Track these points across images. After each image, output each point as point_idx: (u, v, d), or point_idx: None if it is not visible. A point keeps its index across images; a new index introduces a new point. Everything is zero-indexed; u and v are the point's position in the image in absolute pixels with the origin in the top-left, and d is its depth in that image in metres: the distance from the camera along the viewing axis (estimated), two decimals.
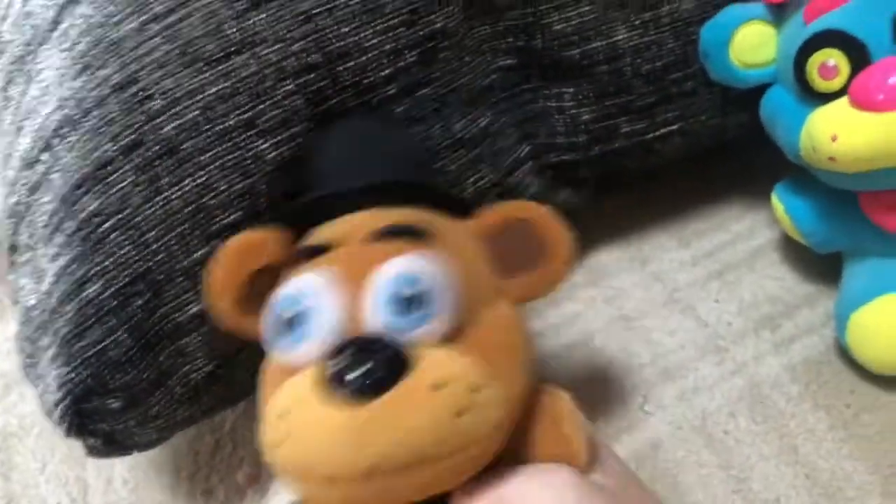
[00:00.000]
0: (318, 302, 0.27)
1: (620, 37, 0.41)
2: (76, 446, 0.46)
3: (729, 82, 0.43)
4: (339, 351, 0.26)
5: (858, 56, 0.37)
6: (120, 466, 0.46)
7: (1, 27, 0.43)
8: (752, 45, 0.42)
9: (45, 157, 0.36)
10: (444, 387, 0.26)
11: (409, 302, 0.27)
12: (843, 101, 0.37)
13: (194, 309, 0.35)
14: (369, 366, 0.26)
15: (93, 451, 0.37)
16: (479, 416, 0.27)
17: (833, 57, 0.37)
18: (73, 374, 0.34)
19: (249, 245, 0.31)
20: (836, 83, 0.37)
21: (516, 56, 0.42)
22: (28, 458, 0.47)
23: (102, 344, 0.34)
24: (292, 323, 0.27)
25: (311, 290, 0.27)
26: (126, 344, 0.34)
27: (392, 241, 0.29)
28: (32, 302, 0.36)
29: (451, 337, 0.28)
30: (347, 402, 0.25)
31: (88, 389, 0.34)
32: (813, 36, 0.38)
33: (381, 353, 0.26)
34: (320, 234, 0.31)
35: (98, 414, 0.35)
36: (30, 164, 0.37)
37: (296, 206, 0.36)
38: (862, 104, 0.36)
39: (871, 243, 0.42)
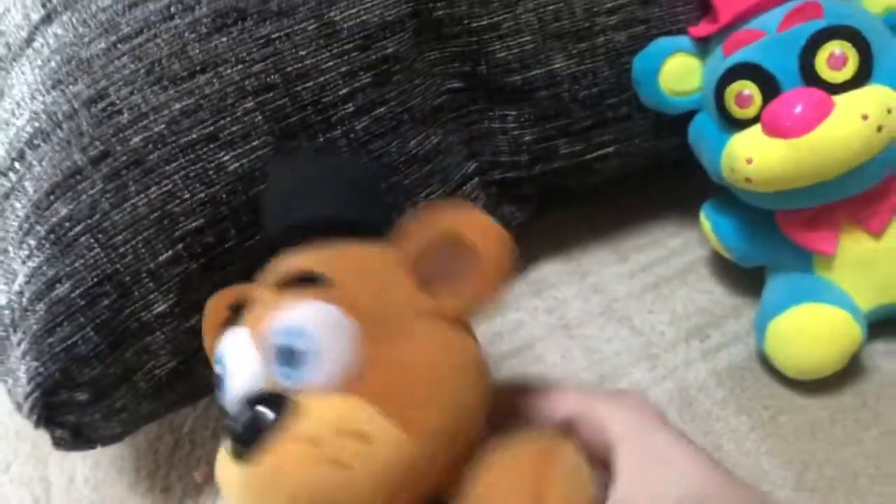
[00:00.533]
0: (229, 364, 0.28)
1: (558, 65, 0.44)
2: (39, 447, 0.48)
3: (659, 108, 0.46)
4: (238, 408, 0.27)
5: (769, 87, 0.40)
6: (82, 465, 0.47)
7: None
8: (678, 74, 0.45)
9: (17, 165, 0.38)
10: (321, 439, 0.26)
11: (296, 354, 0.26)
12: (757, 128, 0.40)
13: (159, 308, 0.37)
14: (248, 417, 0.26)
15: (60, 444, 0.39)
16: (366, 466, 0.26)
17: (748, 87, 0.40)
18: (42, 369, 0.36)
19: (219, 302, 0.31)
20: (750, 111, 0.40)
21: (463, 80, 0.45)
22: None
23: (71, 340, 0.36)
24: (221, 382, 0.28)
25: (224, 351, 0.29)
26: (94, 341, 0.36)
27: (293, 289, 0.28)
28: (3, 301, 0.38)
29: (350, 383, 0.27)
30: (239, 458, 0.26)
31: (57, 383, 0.36)
32: (730, 68, 0.41)
33: (263, 404, 0.26)
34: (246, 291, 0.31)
35: (66, 406, 0.37)
36: (3, 172, 0.39)
37: (248, 250, 0.38)
38: (773, 131, 0.39)
39: (787, 258, 0.45)
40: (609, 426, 0.31)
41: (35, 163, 0.38)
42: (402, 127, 0.42)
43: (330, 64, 0.40)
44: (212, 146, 0.38)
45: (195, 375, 0.40)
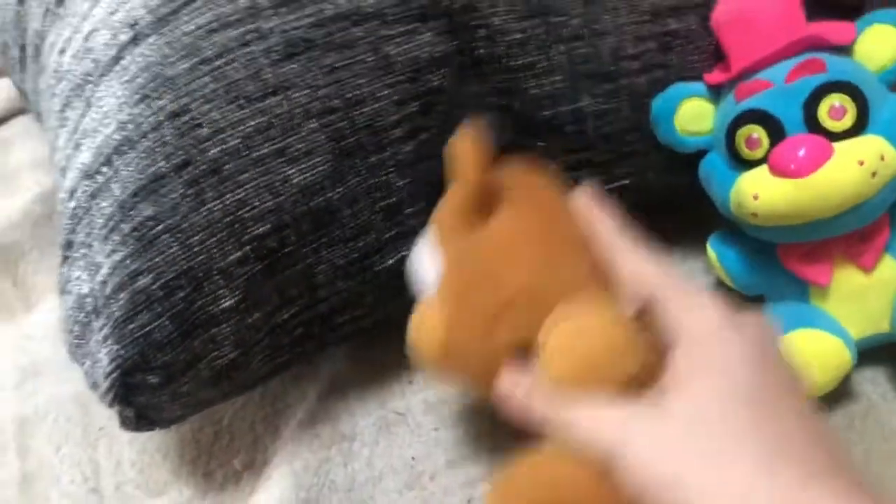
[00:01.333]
0: None
1: (585, 103, 0.49)
2: (88, 432, 0.51)
3: (674, 146, 0.50)
4: None
5: (776, 132, 0.44)
6: (129, 450, 0.50)
7: (62, 58, 0.50)
8: (693, 116, 0.49)
9: (105, 169, 0.42)
10: None
11: None
12: (764, 168, 0.44)
13: (226, 304, 0.42)
14: None
15: (125, 423, 0.43)
16: None
17: (756, 131, 0.45)
18: (123, 351, 0.40)
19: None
20: (758, 153, 0.45)
21: (498, 113, 0.49)
22: (43, 441, 0.51)
23: (149, 327, 0.40)
24: None
25: None
26: (168, 329, 0.41)
27: None
28: (86, 290, 0.42)
29: None
30: None
31: (135, 365, 0.40)
32: (741, 113, 0.45)
33: None
34: None
35: (139, 388, 0.41)
36: (90, 175, 0.43)
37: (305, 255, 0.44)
38: (778, 171, 0.43)
39: (786, 288, 0.48)
40: (678, 329, 0.33)
41: (122, 167, 0.42)
42: (445, 151, 0.47)
43: (384, 92, 0.45)
44: (280, 161, 0.42)
45: (251, 368, 0.44)
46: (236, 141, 0.42)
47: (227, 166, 0.42)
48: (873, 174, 0.43)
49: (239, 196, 0.42)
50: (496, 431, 0.49)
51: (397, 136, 0.46)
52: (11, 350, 0.55)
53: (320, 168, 0.43)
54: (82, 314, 0.42)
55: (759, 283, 0.50)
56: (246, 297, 0.42)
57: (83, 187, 0.43)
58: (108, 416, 0.51)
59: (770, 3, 0.48)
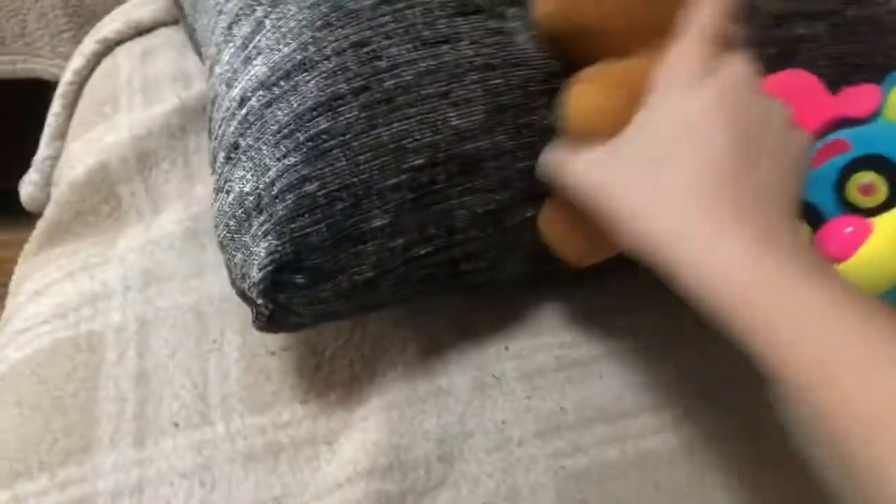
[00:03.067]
0: None
1: None
2: (201, 343, 0.52)
3: None
4: None
5: (814, 218, 0.45)
6: (235, 367, 0.52)
7: None
8: None
9: (283, 83, 0.45)
10: None
11: None
12: None
13: (376, 223, 0.44)
14: None
15: (258, 319, 0.45)
16: None
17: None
18: (281, 247, 0.42)
19: None
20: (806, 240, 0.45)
21: None
22: (161, 344, 0.52)
23: (308, 230, 0.43)
24: None
25: None
26: (324, 234, 0.43)
27: None
28: (248, 189, 0.44)
29: None
30: None
31: (289, 262, 0.43)
32: None
33: None
34: None
35: (286, 285, 0.43)
36: (268, 86, 0.46)
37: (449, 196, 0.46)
38: (825, 258, 0.44)
39: None
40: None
41: (301, 83, 0.45)
42: None
43: (539, 62, 0.47)
44: (443, 102, 0.45)
45: (380, 291, 0.46)
46: (409, 77, 0.45)
47: (398, 98, 0.44)
48: None
49: (405, 127, 0.44)
50: (585, 405, 0.50)
51: (543, 103, 0.48)
52: (139, 253, 0.57)
53: (475, 117, 0.46)
54: (241, 210, 0.44)
55: None
56: (393, 223, 0.44)
57: (258, 96, 0.46)
58: (220, 332, 0.53)
59: (794, 87, 0.48)
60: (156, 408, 0.49)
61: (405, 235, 0.44)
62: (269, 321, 0.45)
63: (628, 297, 0.56)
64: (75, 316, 0.53)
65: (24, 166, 0.71)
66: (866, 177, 0.44)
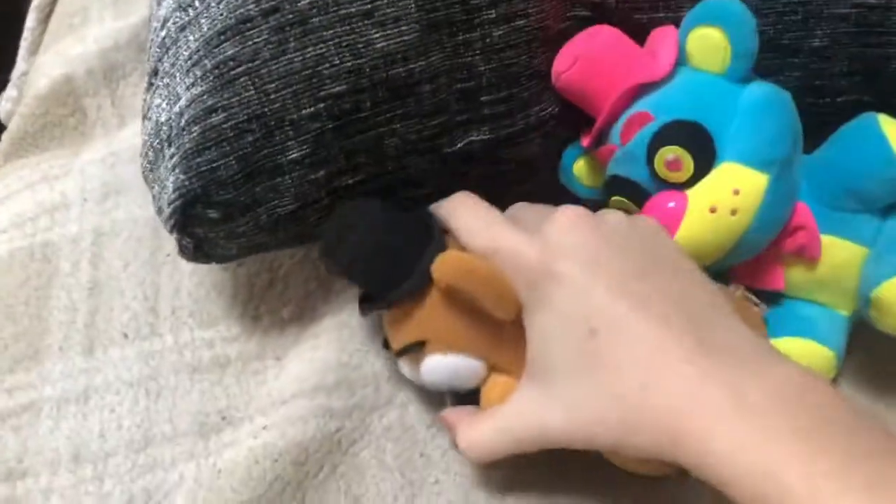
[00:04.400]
0: None
1: (685, 14, 0.45)
2: (156, 256, 0.52)
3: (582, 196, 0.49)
4: None
5: (638, 195, 0.41)
6: (188, 281, 0.51)
7: None
8: (586, 173, 0.48)
9: (197, 3, 0.41)
10: None
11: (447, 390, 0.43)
12: None
13: (292, 155, 0.40)
14: None
15: (183, 251, 0.43)
16: None
17: (622, 202, 0.42)
18: (187, 182, 0.40)
19: None
20: None
21: (591, 9, 0.45)
22: (115, 255, 0.52)
23: (215, 164, 0.39)
24: None
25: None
26: (233, 168, 0.40)
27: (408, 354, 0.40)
28: (164, 118, 0.41)
29: None
30: None
31: (196, 197, 0.40)
32: (606, 183, 0.43)
33: None
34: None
35: (198, 219, 0.41)
36: (184, 7, 0.41)
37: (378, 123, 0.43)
38: None
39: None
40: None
41: (213, 4, 0.40)
42: (534, 43, 0.44)
43: None
44: (366, 22, 0.40)
45: (307, 222, 0.43)
46: None
47: (313, 19, 0.39)
48: (733, 212, 0.39)
49: (320, 51, 0.39)
50: None
51: (490, 17, 0.42)
52: (100, 165, 0.55)
53: (406, 37, 0.41)
54: (157, 141, 0.41)
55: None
56: (313, 153, 0.41)
57: (175, 18, 0.42)
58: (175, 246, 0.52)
59: (599, 48, 0.43)
60: (106, 318, 0.49)
61: (328, 165, 0.41)
62: (196, 254, 0.43)
63: None
64: (32, 226, 0.52)
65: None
66: (670, 152, 0.39)
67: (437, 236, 0.40)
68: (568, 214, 0.37)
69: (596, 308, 0.34)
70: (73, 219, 0.53)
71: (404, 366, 0.42)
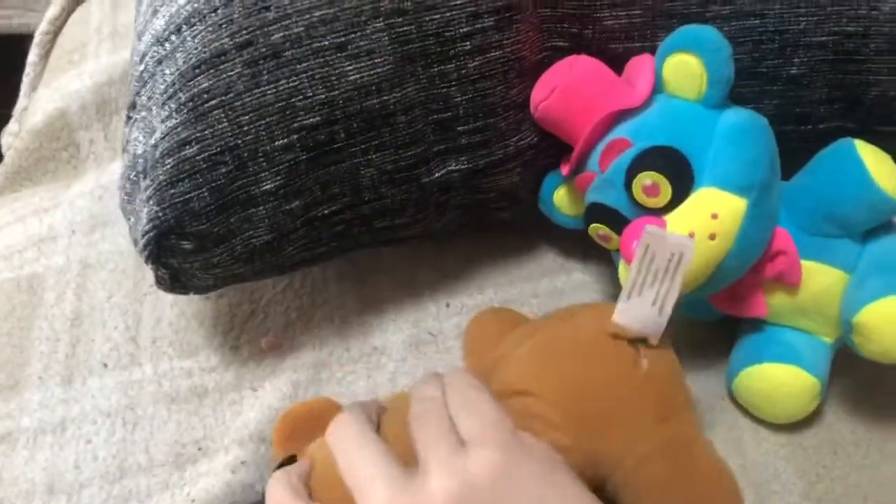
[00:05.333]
0: None
1: (660, 43, 0.45)
2: (139, 287, 0.53)
3: (562, 224, 0.49)
4: None
5: (617, 222, 0.41)
6: (170, 311, 0.51)
7: None
8: (567, 202, 0.48)
9: (173, 38, 0.41)
10: None
11: None
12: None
13: (266, 186, 0.40)
14: None
15: (161, 283, 0.43)
16: None
17: (602, 228, 0.41)
18: (161, 214, 0.40)
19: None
20: (613, 245, 0.41)
21: (568, 40, 0.46)
22: (99, 286, 0.52)
23: (188, 195, 0.40)
24: None
25: None
26: (206, 200, 0.40)
27: None
28: (140, 151, 0.42)
29: None
30: None
31: (170, 228, 0.40)
32: (585, 210, 0.42)
33: None
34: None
35: (173, 251, 0.41)
36: (161, 41, 0.42)
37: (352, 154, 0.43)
38: (626, 256, 0.39)
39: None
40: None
41: (189, 38, 0.41)
42: (510, 73, 0.44)
43: (459, 2, 0.42)
44: (339, 55, 0.40)
45: (283, 253, 0.43)
46: (300, 28, 0.40)
47: (286, 52, 0.40)
48: (711, 237, 0.38)
49: (293, 83, 0.40)
50: None
51: (465, 49, 0.43)
52: (89, 198, 0.56)
53: (379, 69, 0.41)
54: (134, 173, 0.42)
55: (711, 313, 0.46)
56: (287, 184, 0.41)
57: (153, 52, 0.42)
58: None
59: (579, 76, 0.43)
60: (87, 348, 0.49)
61: (303, 196, 0.41)
62: (172, 285, 0.43)
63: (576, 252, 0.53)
64: (20, 258, 0.53)
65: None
66: (648, 177, 0.39)
67: None
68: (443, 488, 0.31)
69: None
70: (60, 250, 0.54)
71: None
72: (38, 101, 0.62)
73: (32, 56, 0.69)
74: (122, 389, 0.48)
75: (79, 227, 0.55)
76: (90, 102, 0.60)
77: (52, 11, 0.70)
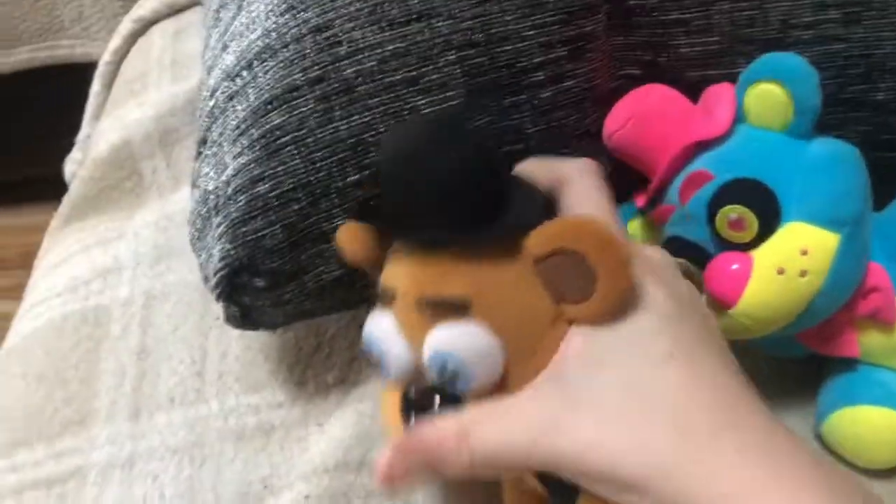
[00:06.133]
0: (389, 348, 0.30)
1: (740, 69, 0.43)
2: (204, 319, 0.52)
3: None
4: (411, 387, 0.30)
5: (700, 256, 0.39)
6: (235, 345, 0.50)
7: None
8: (642, 234, 0.47)
9: (245, 73, 0.41)
10: None
11: (448, 371, 0.28)
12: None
13: (338, 223, 0.40)
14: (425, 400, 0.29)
15: (230, 319, 0.43)
16: None
17: (682, 262, 0.38)
18: (233, 251, 0.39)
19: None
20: (698, 280, 0.39)
21: (642, 68, 0.45)
22: (164, 319, 0.52)
23: (261, 233, 0.39)
24: (375, 358, 0.30)
25: (382, 336, 0.30)
26: (279, 237, 0.39)
27: (435, 310, 0.29)
28: (211, 187, 0.41)
29: (492, 394, 0.29)
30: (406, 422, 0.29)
31: (243, 266, 0.40)
32: (664, 244, 0.40)
33: (440, 402, 0.29)
34: (390, 274, 0.31)
35: (245, 288, 0.41)
36: (232, 77, 0.42)
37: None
38: (718, 304, 0.37)
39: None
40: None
41: (260, 74, 0.41)
42: (584, 103, 0.43)
43: (531, 33, 0.41)
44: (412, 89, 0.40)
45: (354, 287, 0.42)
46: (372, 63, 0.39)
47: (359, 88, 0.39)
48: (802, 274, 0.36)
49: (366, 119, 0.39)
50: None
51: (537, 80, 0.42)
52: (153, 228, 0.56)
53: (452, 102, 0.41)
54: (205, 209, 0.42)
55: (798, 350, 0.44)
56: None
57: (223, 88, 0.42)
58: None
59: (651, 108, 0.42)
60: (153, 383, 0.49)
61: None
62: (243, 322, 0.42)
63: None
64: (85, 289, 0.53)
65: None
66: (733, 211, 0.37)
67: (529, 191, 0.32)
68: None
69: (676, 335, 0.29)
70: (126, 282, 0.54)
71: (399, 326, 0.30)
72: (102, 131, 0.63)
73: (96, 85, 0.70)
74: (189, 425, 0.48)
75: (143, 258, 0.55)
76: (153, 132, 0.61)
77: (115, 42, 0.71)
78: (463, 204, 0.29)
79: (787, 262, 0.37)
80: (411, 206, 0.29)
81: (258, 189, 0.39)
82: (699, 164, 0.41)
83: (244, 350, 0.51)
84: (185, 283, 0.53)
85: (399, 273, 0.30)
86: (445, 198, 0.29)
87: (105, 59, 0.71)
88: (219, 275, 0.40)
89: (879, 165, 0.42)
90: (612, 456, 0.27)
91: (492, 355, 0.29)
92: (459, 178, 0.29)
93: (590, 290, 0.28)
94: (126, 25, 0.71)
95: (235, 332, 0.51)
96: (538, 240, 0.29)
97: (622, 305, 0.29)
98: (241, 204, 0.40)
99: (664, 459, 0.27)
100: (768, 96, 0.39)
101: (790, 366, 0.45)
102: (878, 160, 0.43)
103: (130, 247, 0.55)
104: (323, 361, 0.50)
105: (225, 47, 0.44)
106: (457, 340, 0.28)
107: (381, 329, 0.30)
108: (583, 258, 0.28)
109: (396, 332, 0.29)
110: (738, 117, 0.41)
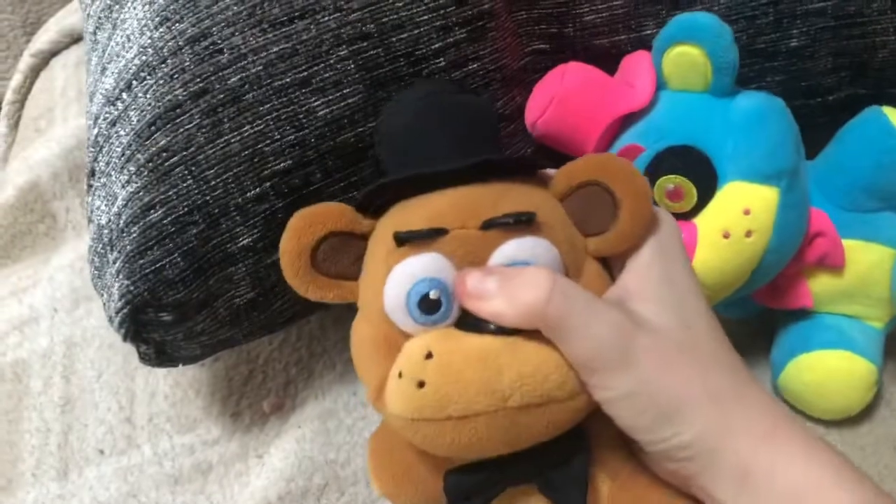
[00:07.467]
0: (449, 286, 0.28)
1: (649, 31, 0.42)
2: (129, 360, 0.49)
3: None
4: None
5: None
6: (163, 383, 0.48)
7: None
8: None
9: (124, 96, 0.38)
10: None
11: None
12: None
13: (243, 242, 0.37)
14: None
15: (145, 359, 0.40)
16: None
17: None
18: (132, 287, 0.36)
19: (314, 216, 0.30)
20: None
21: (549, 41, 0.43)
22: (87, 366, 0.49)
23: (160, 263, 0.36)
24: (426, 302, 0.28)
25: (443, 271, 0.28)
26: (180, 266, 0.36)
27: (504, 228, 0.28)
28: (104, 221, 0.38)
29: None
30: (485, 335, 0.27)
31: (145, 302, 0.36)
32: None
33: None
34: (417, 217, 0.29)
35: (152, 324, 0.38)
36: (112, 101, 0.39)
37: (332, 195, 0.36)
38: None
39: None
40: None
41: (140, 94, 0.38)
42: (493, 85, 0.41)
43: (425, 17, 0.39)
44: (304, 91, 0.37)
45: (272, 308, 0.40)
46: (258, 68, 0.37)
47: (247, 96, 0.36)
48: (748, 234, 0.35)
49: (258, 128, 0.36)
50: None
51: (440, 65, 0.40)
52: (69, 270, 0.53)
53: (350, 100, 0.38)
54: (101, 245, 0.39)
55: (748, 309, 0.43)
56: (265, 237, 0.37)
57: (105, 114, 0.39)
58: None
59: (575, 91, 0.40)
60: (80, 435, 0.45)
61: None
62: (158, 358, 0.39)
63: None
64: (2, 345, 0.49)
65: None
66: (669, 182, 0.36)
67: None
68: None
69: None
70: (44, 332, 0.50)
71: (451, 257, 0.29)
72: (9, 175, 0.59)
73: (1, 127, 0.66)
74: (122, 476, 0.44)
75: (60, 304, 0.51)
76: (61, 169, 0.57)
77: (16, 80, 0.67)
78: (484, 134, 0.32)
79: (731, 225, 0.36)
80: (437, 142, 0.31)
81: (151, 217, 0.36)
82: (628, 139, 0.39)
83: (173, 388, 0.48)
84: (106, 325, 0.49)
85: (432, 212, 0.29)
86: (468, 129, 0.32)
87: (8, 98, 0.67)
88: (121, 314, 0.37)
89: (801, 113, 0.41)
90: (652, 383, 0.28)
91: (557, 267, 0.29)
92: (477, 113, 0.32)
93: (608, 222, 0.30)
94: (26, 61, 0.67)
95: (162, 371, 0.48)
96: (565, 174, 0.30)
97: (644, 234, 0.30)
98: (134, 235, 0.37)
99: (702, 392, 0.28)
100: (685, 58, 0.38)
101: (739, 327, 0.44)
102: (800, 108, 0.42)
103: (46, 293, 0.52)
104: (257, 389, 0.48)
105: (104, 70, 0.41)
106: (532, 249, 0.28)
107: (437, 267, 0.28)
108: (608, 188, 0.29)
109: (450, 265, 0.28)
110: (659, 84, 0.39)
